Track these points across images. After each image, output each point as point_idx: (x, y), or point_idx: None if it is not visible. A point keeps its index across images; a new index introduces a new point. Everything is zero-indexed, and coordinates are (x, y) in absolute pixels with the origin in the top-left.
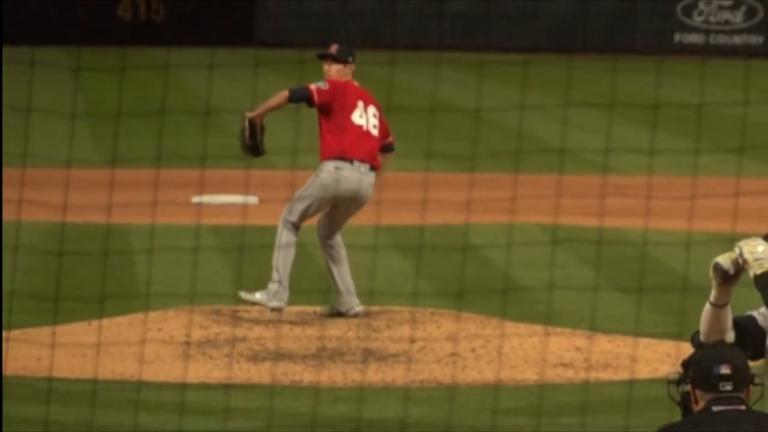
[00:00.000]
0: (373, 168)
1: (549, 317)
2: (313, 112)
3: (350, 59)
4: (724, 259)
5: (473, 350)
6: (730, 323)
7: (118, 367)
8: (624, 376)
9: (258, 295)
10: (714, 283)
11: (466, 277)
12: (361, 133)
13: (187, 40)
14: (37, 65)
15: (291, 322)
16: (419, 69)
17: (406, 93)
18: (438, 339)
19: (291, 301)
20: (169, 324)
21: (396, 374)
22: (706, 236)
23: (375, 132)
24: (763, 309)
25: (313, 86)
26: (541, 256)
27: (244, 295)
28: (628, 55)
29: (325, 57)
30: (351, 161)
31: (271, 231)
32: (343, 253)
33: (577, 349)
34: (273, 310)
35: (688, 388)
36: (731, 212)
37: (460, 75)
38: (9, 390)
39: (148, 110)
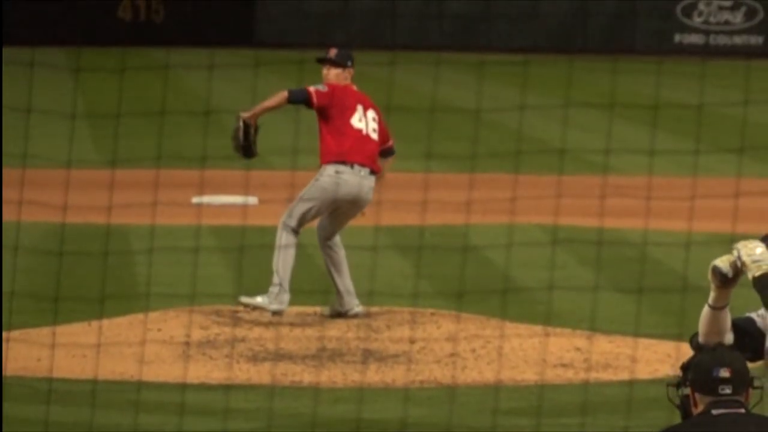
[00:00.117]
0: (373, 172)
1: (549, 318)
2: (313, 113)
3: (349, 63)
4: (723, 263)
5: (473, 351)
6: (728, 325)
7: (118, 367)
8: (624, 376)
9: (259, 299)
10: (713, 286)
11: (466, 278)
12: (361, 137)
13: (187, 40)
14: (37, 65)
15: (291, 323)
16: (419, 69)
17: (406, 93)
18: (438, 339)
19: (291, 302)
20: (169, 324)
21: (396, 375)
22: (706, 237)
23: (374, 136)
24: (761, 310)
25: (312, 88)
26: (541, 257)
27: (244, 299)
28: (628, 55)
29: (324, 61)
30: (351, 165)
31: (271, 231)
32: (342, 253)
33: (577, 349)
34: (274, 313)
35: (687, 391)
36: (731, 213)
37: (460, 75)
38: (9, 390)
39: (148, 111)
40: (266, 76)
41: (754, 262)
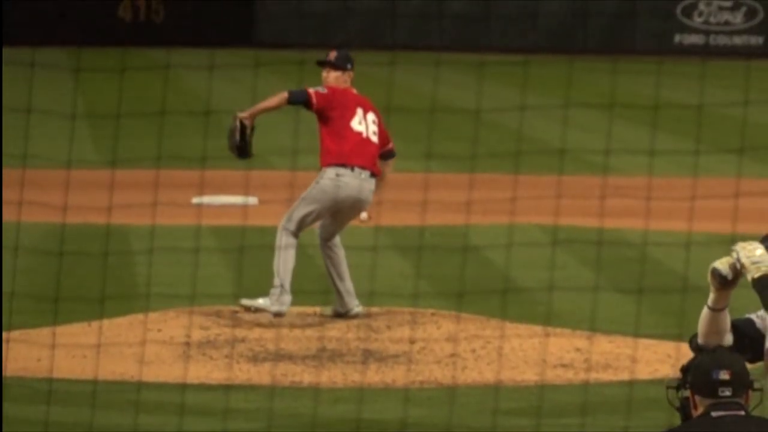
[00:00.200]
0: (373, 175)
1: (549, 318)
2: (313, 114)
3: (349, 66)
4: (722, 265)
5: (473, 351)
6: (728, 326)
7: (118, 367)
8: (624, 376)
9: (260, 301)
10: (712, 288)
11: (466, 278)
12: (361, 139)
13: (187, 40)
14: (37, 65)
15: (291, 323)
16: (419, 69)
17: (406, 93)
18: (438, 340)
19: (291, 302)
20: (169, 325)
21: (396, 375)
22: (706, 237)
23: (375, 138)
24: (761, 312)
25: (312, 90)
26: (541, 257)
27: (245, 301)
28: (628, 55)
29: (324, 64)
30: (351, 168)
31: (271, 232)
32: (341, 254)
33: (577, 349)
34: (276, 315)
35: (687, 393)
36: (731, 213)
37: (460, 75)
38: (9, 391)
39: (148, 111)
40: (266, 76)
41: (754, 263)
